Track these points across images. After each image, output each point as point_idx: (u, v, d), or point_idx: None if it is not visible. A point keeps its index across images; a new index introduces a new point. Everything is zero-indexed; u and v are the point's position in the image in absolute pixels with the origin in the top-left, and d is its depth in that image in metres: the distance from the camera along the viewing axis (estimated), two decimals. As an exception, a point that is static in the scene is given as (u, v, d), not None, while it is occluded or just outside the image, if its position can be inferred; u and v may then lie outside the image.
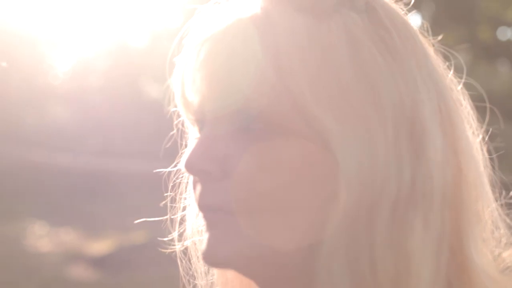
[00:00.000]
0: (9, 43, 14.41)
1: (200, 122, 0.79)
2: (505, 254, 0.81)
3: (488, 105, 0.89)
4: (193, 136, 0.84)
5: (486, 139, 0.86)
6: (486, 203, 0.79)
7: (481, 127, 0.85)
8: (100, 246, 9.08)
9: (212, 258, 0.76)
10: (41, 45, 16.04)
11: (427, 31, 0.84)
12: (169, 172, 0.94)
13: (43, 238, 9.59)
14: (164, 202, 0.96)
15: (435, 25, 0.93)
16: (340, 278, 0.71)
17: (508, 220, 0.83)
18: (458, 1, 9.75)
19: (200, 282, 0.92)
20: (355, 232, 0.71)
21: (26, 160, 14.55)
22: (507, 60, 11.60)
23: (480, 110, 0.87)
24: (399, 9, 0.80)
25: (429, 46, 0.81)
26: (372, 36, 0.74)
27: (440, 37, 0.86)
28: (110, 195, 13.17)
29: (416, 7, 0.87)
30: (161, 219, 0.95)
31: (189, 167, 0.75)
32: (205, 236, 0.77)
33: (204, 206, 0.76)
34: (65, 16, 15.12)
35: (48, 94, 17.42)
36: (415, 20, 0.85)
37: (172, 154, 0.95)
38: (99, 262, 8.36)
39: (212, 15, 0.79)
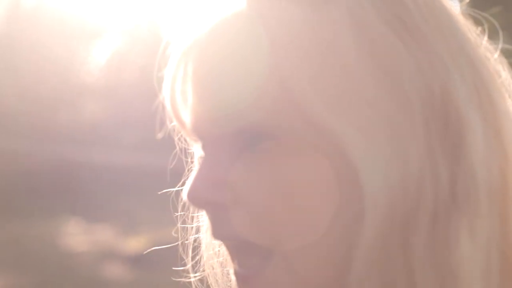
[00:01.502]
0: (42, 40, 14.48)
1: (201, 141, 0.69)
2: None
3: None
4: (197, 155, 0.74)
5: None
6: None
7: None
8: (137, 244, 9.07)
9: None
10: (74, 40, 16.12)
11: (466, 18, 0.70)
12: None
13: (79, 235, 9.61)
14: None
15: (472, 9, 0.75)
16: None
17: None
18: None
19: None
20: (388, 254, 0.61)
21: (61, 157, 14.67)
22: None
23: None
24: None
25: (461, 18, 0.67)
26: (384, 16, 0.62)
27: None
28: (147, 191, 13.16)
29: None
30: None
31: (194, 200, 0.65)
32: (235, 277, 0.68)
33: (221, 237, 0.68)
34: (99, 10, 15.18)
35: (83, 90, 17.51)
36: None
37: None
38: (136, 260, 8.39)
39: (194, 15, 0.67)
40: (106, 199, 12.03)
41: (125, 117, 16.48)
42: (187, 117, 0.69)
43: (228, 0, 0.65)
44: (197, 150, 0.75)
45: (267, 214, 0.64)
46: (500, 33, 0.75)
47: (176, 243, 0.88)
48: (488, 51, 0.70)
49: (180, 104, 0.69)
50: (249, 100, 0.62)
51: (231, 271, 0.70)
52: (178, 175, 0.87)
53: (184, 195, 0.69)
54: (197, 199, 0.66)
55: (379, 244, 0.61)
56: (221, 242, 0.71)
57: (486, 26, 0.74)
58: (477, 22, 0.73)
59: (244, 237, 0.65)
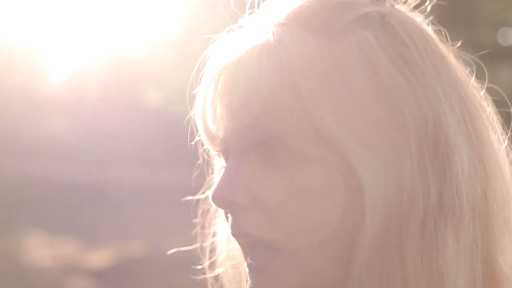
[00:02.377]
0: (5, 54, 14.37)
1: (225, 152, 0.79)
2: None
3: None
4: (219, 166, 0.84)
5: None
6: None
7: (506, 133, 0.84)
8: (99, 258, 9.02)
9: None
10: (37, 55, 16.02)
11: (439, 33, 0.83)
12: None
13: (41, 249, 9.52)
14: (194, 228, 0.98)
15: (437, 29, 0.88)
16: None
17: None
18: (460, 3, 9.75)
19: None
20: (385, 254, 0.72)
21: (23, 171, 14.52)
22: (509, 64, 11.55)
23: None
24: (416, 18, 0.79)
25: (449, 53, 0.79)
26: (388, 52, 0.74)
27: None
28: (108, 205, 13.11)
29: (421, 10, 0.86)
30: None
31: (218, 200, 0.76)
32: (250, 279, 0.78)
33: (239, 235, 0.78)
34: (62, 25, 15.11)
35: (46, 104, 17.38)
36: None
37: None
38: (99, 275, 8.33)
39: (226, 44, 0.79)
40: (69, 213, 11.95)
41: (88, 132, 16.39)
42: (216, 130, 0.79)
43: (256, 32, 0.77)
44: (217, 162, 0.85)
45: (280, 214, 0.74)
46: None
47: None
48: (475, 89, 0.82)
49: (209, 120, 0.79)
50: (271, 116, 0.73)
51: (245, 265, 0.80)
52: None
53: (209, 197, 0.79)
54: (221, 200, 0.77)
55: (377, 243, 0.72)
56: (238, 240, 0.80)
57: (450, 43, 0.85)
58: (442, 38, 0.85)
59: (259, 234, 0.76)
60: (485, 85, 0.86)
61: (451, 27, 0.91)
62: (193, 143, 0.89)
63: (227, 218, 0.80)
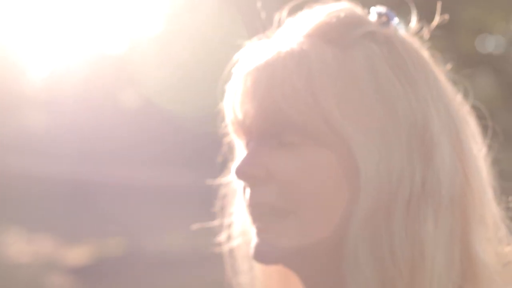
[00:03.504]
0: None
1: (248, 137, 0.95)
2: (507, 250, 0.94)
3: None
4: (240, 150, 1.01)
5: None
6: (489, 208, 0.93)
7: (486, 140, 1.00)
8: (78, 255, 9.04)
9: (266, 256, 0.93)
10: (17, 51, 15.96)
11: (418, 27, 1.01)
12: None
13: (19, 246, 9.52)
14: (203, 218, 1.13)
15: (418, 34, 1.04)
16: (365, 262, 0.86)
17: (508, 222, 0.97)
18: (440, 9, 9.80)
19: (244, 278, 1.08)
20: (376, 223, 0.87)
21: (1, 168, 14.46)
22: (488, 71, 11.67)
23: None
24: (415, 42, 0.96)
25: (440, 73, 0.96)
26: (390, 63, 0.91)
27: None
28: (86, 202, 13.11)
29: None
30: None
31: (240, 174, 0.92)
32: (255, 238, 0.94)
33: (254, 204, 0.93)
34: (42, 23, 15.06)
35: (25, 101, 17.32)
36: (401, 28, 1.01)
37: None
38: (77, 272, 8.35)
39: (257, 50, 0.95)
40: (47, 210, 11.94)
41: (67, 129, 16.36)
42: (243, 118, 0.95)
43: (282, 41, 0.94)
44: (238, 145, 1.02)
45: (291, 187, 0.90)
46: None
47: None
48: (461, 104, 0.98)
49: (238, 110, 0.95)
50: (290, 105, 0.89)
51: (253, 231, 0.95)
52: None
53: (232, 171, 0.97)
54: (243, 173, 0.93)
55: (369, 214, 0.87)
56: (251, 210, 0.95)
57: (430, 49, 1.00)
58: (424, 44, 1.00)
59: (272, 203, 0.91)
60: (464, 91, 1.00)
61: (430, 34, 1.02)
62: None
63: (244, 191, 0.96)
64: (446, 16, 1.08)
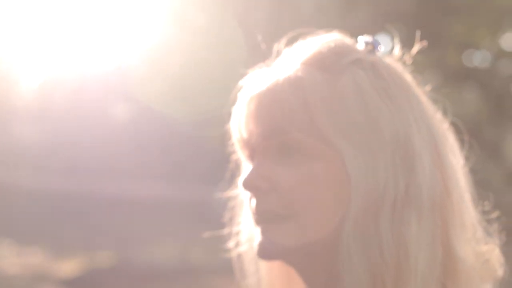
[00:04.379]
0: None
1: (252, 154, 1.08)
2: (484, 249, 1.07)
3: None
4: (246, 166, 1.13)
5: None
6: (467, 212, 1.06)
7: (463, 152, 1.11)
8: (68, 267, 9.04)
9: (267, 252, 1.05)
10: (9, 62, 15.93)
11: (401, 53, 1.13)
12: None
13: (10, 258, 9.51)
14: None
15: (405, 48, 1.17)
16: (356, 258, 0.99)
17: (485, 225, 1.09)
18: (427, 24, 9.93)
19: (251, 279, 1.20)
20: (365, 225, 0.99)
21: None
22: (474, 85, 11.77)
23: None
24: (399, 66, 1.09)
25: (422, 93, 1.08)
26: (375, 87, 1.03)
27: (405, 61, 1.13)
28: (76, 215, 13.10)
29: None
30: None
31: (247, 185, 1.05)
32: (259, 237, 1.06)
33: (259, 211, 1.05)
34: (34, 33, 15.05)
35: (15, 113, 17.28)
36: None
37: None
38: (68, 284, 8.34)
39: (258, 77, 1.09)
40: (37, 222, 11.93)
41: (57, 141, 16.32)
42: (248, 136, 1.08)
43: (281, 70, 1.07)
44: (244, 161, 1.14)
45: (291, 195, 1.03)
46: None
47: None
48: (441, 122, 1.10)
49: (243, 127, 1.08)
50: (288, 123, 1.02)
51: (257, 232, 1.08)
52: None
53: (240, 183, 1.11)
54: (249, 186, 1.05)
55: (360, 217, 1.00)
56: (256, 217, 1.07)
57: (413, 62, 1.12)
58: (407, 58, 1.13)
59: (275, 210, 1.04)
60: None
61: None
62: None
63: (251, 201, 1.09)
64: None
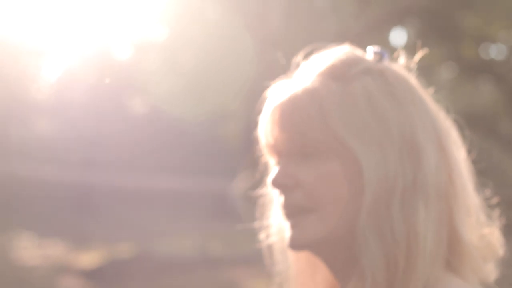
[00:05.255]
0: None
1: (278, 156, 1.22)
2: (486, 231, 1.19)
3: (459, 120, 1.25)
4: (273, 166, 1.26)
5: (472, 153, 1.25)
6: (470, 198, 1.18)
7: (466, 145, 1.23)
8: (88, 259, 9.19)
9: (297, 244, 1.19)
10: (26, 57, 16.02)
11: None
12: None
13: (31, 250, 9.60)
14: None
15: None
16: (372, 242, 1.12)
17: (487, 210, 1.21)
18: (442, 18, 9.93)
19: (280, 267, 1.34)
20: (379, 213, 1.12)
21: (13, 173, 14.52)
22: (490, 78, 11.76)
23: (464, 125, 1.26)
24: (404, 72, 1.22)
25: (426, 94, 1.21)
26: (383, 91, 1.16)
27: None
28: (97, 207, 13.20)
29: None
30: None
31: (275, 183, 1.18)
32: (289, 231, 1.19)
33: (286, 206, 1.19)
34: (51, 29, 15.12)
35: (34, 107, 17.39)
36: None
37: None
38: (88, 275, 8.46)
39: (281, 88, 1.22)
40: (58, 215, 12.00)
41: (76, 135, 16.38)
42: (274, 142, 1.21)
43: (299, 81, 1.21)
44: (272, 162, 1.26)
45: (313, 191, 1.16)
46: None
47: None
48: (445, 119, 1.21)
49: (269, 134, 1.21)
50: (308, 130, 1.16)
51: (287, 227, 1.20)
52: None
53: (268, 182, 1.23)
54: (277, 184, 1.18)
55: (373, 207, 1.12)
56: (284, 211, 1.19)
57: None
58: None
59: (300, 204, 1.17)
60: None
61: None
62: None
63: (279, 197, 1.22)
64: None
